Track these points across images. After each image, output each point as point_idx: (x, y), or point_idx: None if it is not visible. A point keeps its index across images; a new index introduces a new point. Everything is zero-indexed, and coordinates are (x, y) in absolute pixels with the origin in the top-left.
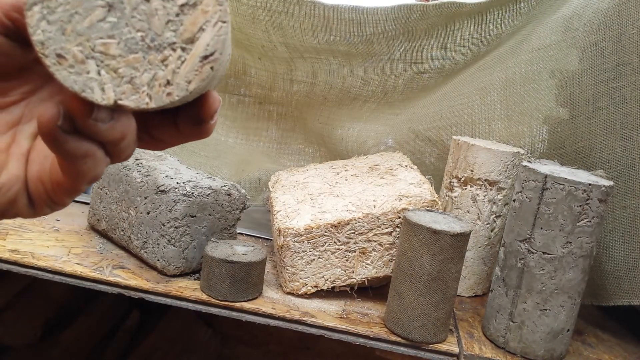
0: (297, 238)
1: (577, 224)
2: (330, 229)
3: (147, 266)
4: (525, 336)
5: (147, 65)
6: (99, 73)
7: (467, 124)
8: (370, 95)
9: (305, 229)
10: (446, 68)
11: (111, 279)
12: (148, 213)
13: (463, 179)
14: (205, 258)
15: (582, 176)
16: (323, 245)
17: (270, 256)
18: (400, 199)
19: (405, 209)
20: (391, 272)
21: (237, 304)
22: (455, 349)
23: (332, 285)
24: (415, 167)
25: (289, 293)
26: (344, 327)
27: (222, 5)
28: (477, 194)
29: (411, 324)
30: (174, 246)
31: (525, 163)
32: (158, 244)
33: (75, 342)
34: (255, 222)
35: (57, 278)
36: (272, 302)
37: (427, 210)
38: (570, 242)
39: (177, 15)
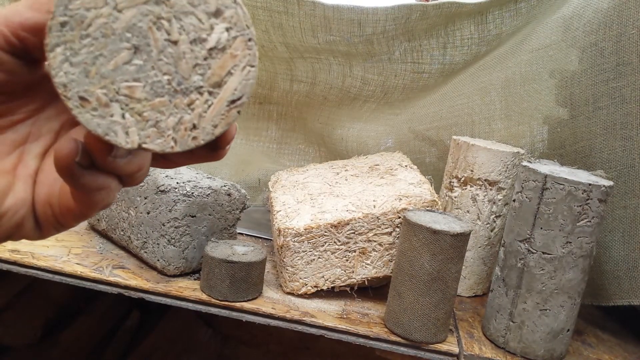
0: (297, 238)
1: (577, 224)
2: (330, 229)
3: (147, 266)
4: (525, 336)
5: (173, 108)
6: (123, 116)
7: (467, 124)
8: (370, 95)
9: (305, 229)
10: (446, 68)
11: (111, 279)
12: (148, 213)
13: (463, 179)
14: (205, 258)
15: (582, 176)
16: (323, 245)
17: (270, 256)
18: (400, 199)
19: (405, 209)
20: (391, 272)
21: (237, 304)
22: (455, 349)
23: (332, 285)
24: (415, 167)
25: (289, 293)
26: (344, 327)
27: (251, 50)
28: (477, 194)
29: (411, 324)
30: (174, 246)
31: (525, 163)
32: (158, 244)
33: (75, 342)
34: (255, 222)
35: (57, 278)
36: (272, 302)
37: (427, 210)
38: (570, 242)
39: (205, 59)
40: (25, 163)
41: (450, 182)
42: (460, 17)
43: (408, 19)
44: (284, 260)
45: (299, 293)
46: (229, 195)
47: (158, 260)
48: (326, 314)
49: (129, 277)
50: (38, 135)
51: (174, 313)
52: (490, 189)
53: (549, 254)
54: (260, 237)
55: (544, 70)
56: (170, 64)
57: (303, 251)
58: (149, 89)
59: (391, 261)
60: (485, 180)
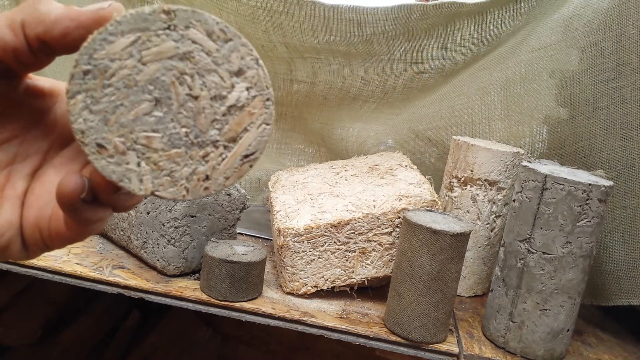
0: (297, 238)
1: (577, 224)
2: (330, 229)
3: (147, 266)
4: (525, 336)
5: (188, 160)
6: (138, 165)
7: (467, 124)
8: (370, 95)
9: (305, 229)
10: (446, 68)
11: (111, 278)
12: (148, 213)
13: (463, 179)
14: (205, 258)
15: (582, 176)
16: (323, 245)
17: (270, 256)
18: (400, 199)
19: (405, 209)
20: (391, 272)
21: (237, 304)
22: (455, 349)
23: (332, 285)
24: (415, 167)
25: (288, 293)
26: (344, 327)
27: (269, 109)
28: (477, 194)
29: (411, 324)
30: (174, 246)
31: (525, 163)
32: (158, 244)
33: (75, 342)
34: (255, 222)
35: (57, 278)
36: (272, 302)
37: (427, 210)
38: (570, 242)
39: (224, 115)
40: (13, 184)
41: (450, 182)
42: (460, 17)
43: (408, 19)
44: (284, 260)
45: (299, 293)
46: (229, 195)
47: (158, 260)
48: (326, 314)
49: (129, 277)
50: (26, 156)
51: (174, 313)
52: (490, 189)
53: (549, 254)
54: (260, 237)
55: (544, 70)
56: (190, 117)
57: (303, 251)
58: (167, 140)
59: (391, 261)
60: (485, 180)
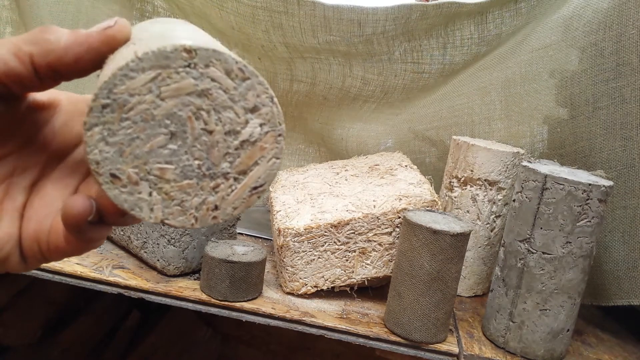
0: (297, 238)
1: (577, 224)
2: (330, 229)
3: (147, 266)
4: (525, 336)
5: (199, 190)
6: (150, 194)
7: (467, 124)
8: (370, 95)
9: (305, 229)
10: (446, 68)
11: (111, 279)
12: None
13: (463, 179)
14: (205, 258)
15: (582, 176)
16: (323, 245)
17: (270, 256)
18: (400, 199)
19: (405, 209)
20: (391, 272)
21: (237, 304)
22: (455, 349)
23: (332, 285)
24: (415, 167)
25: (288, 293)
26: (344, 327)
27: (279, 144)
28: (477, 194)
29: (411, 324)
30: (174, 246)
31: (525, 163)
32: (158, 243)
33: (75, 342)
34: (255, 222)
35: (57, 278)
36: (272, 302)
37: (427, 210)
38: (570, 242)
39: (236, 149)
40: (12, 197)
41: (450, 182)
42: (460, 17)
43: (408, 19)
44: (284, 260)
45: (299, 293)
46: None
47: (158, 260)
48: (326, 314)
49: (129, 277)
50: (24, 168)
51: (174, 313)
52: (490, 189)
53: (549, 254)
54: (260, 237)
55: (544, 70)
56: (203, 151)
57: (303, 251)
58: (179, 172)
59: (391, 261)
60: (485, 180)
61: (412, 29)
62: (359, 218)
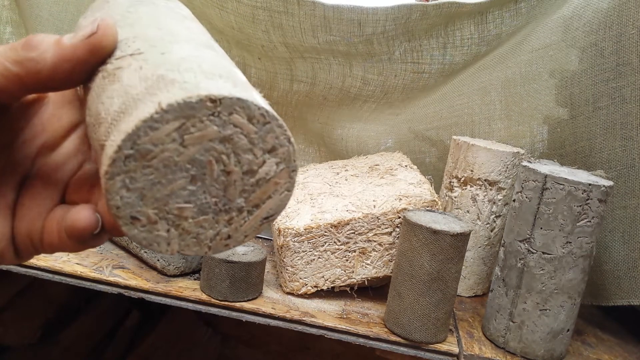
0: (297, 238)
1: (577, 224)
2: (330, 229)
3: (147, 266)
4: (525, 336)
5: (214, 224)
6: (168, 231)
7: (467, 124)
8: (370, 95)
9: (305, 229)
10: (446, 68)
11: (111, 279)
12: None
13: (463, 179)
14: (205, 258)
15: (582, 176)
16: (323, 245)
17: (270, 256)
18: (400, 199)
19: (405, 209)
20: (391, 272)
21: (237, 304)
22: (455, 349)
23: (332, 285)
24: (415, 167)
25: (288, 293)
26: (344, 327)
27: (292, 179)
28: (477, 194)
29: (411, 324)
30: None
31: (525, 163)
32: None
33: (75, 342)
34: None
35: (57, 278)
36: (272, 302)
37: (427, 210)
38: (570, 242)
39: (252, 186)
40: (3, 194)
41: (450, 182)
42: (460, 17)
43: (408, 19)
44: (284, 260)
45: (299, 293)
46: None
47: (158, 260)
48: (326, 314)
49: (129, 277)
50: (13, 164)
51: (174, 313)
52: (490, 189)
53: (549, 254)
54: (260, 237)
55: (544, 70)
56: (220, 189)
57: (303, 251)
58: (197, 210)
59: (391, 261)
60: (485, 180)
61: (412, 29)
62: (359, 218)
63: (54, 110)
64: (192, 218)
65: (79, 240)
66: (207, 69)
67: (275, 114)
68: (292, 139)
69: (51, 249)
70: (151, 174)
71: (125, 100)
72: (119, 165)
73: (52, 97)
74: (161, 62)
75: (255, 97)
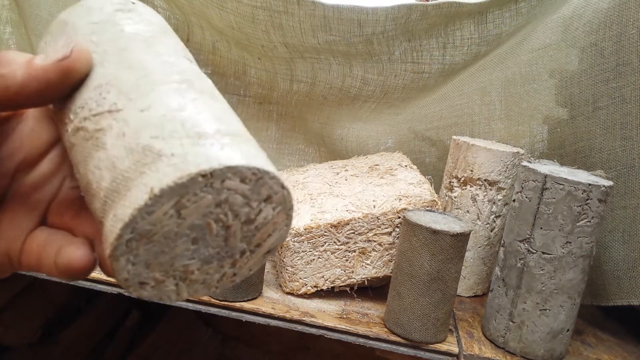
0: (296, 238)
1: (577, 224)
2: (330, 229)
3: None
4: (525, 336)
5: (219, 269)
6: (176, 285)
7: (467, 124)
8: (370, 95)
9: (305, 229)
10: (446, 68)
11: (111, 279)
12: None
13: (463, 179)
14: None
15: (582, 176)
16: (323, 245)
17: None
18: (400, 199)
19: (405, 209)
20: (391, 272)
21: (237, 304)
22: (455, 349)
23: (332, 285)
24: (415, 167)
25: (288, 293)
26: (344, 327)
27: (290, 216)
28: (477, 194)
29: (411, 324)
30: None
31: (525, 163)
32: None
33: (75, 342)
34: None
35: (57, 278)
36: (272, 302)
37: (427, 210)
38: (570, 242)
39: (252, 231)
40: None
41: (450, 182)
42: (460, 17)
43: (408, 19)
44: (284, 260)
45: (299, 293)
46: None
47: None
48: (326, 314)
49: None
50: None
51: (174, 313)
52: (490, 189)
53: (548, 254)
54: None
55: (544, 70)
56: (221, 241)
57: (303, 251)
58: (201, 263)
59: (391, 261)
60: (485, 180)
61: (412, 29)
62: (358, 218)
63: (34, 126)
64: (198, 269)
65: (72, 277)
66: (190, 128)
67: (264, 167)
68: (286, 184)
69: (29, 270)
70: (153, 247)
71: (115, 177)
72: (122, 248)
73: (32, 112)
74: (142, 124)
75: (245, 153)
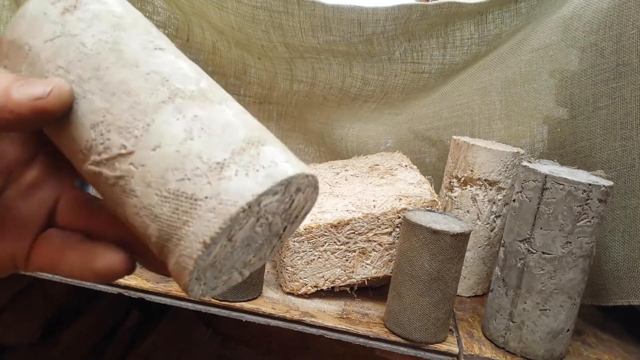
0: (296, 238)
1: (577, 224)
2: (330, 229)
3: None
4: (525, 336)
5: (269, 247)
6: (240, 273)
7: (467, 124)
8: (370, 95)
9: (305, 229)
10: (446, 68)
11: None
12: None
13: (463, 179)
14: None
15: (582, 176)
16: (323, 245)
17: None
18: (400, 199)
19: (405, 209)
20: (391, 272)
21: (237, 304)
22: (455, 349)
23: (332, 285)
24: (415, 167)
25: (288, 293)
26: (344, 327)
27: (317, 187)
28: (477, 194)
29: (411, 324)
30: None
31: (525, 163)
32: None
33: (75, 342)
34: None
35: (57, 278)
36: (272, 302)
37: (427, 210)
38: (570, 242)
39: (289, 213)
40: None
41: (450, 182)
42: (460, 17)
43: (408, 19)
44: (284, 260)
45: (299, 293)
46: None
47: None
48: (326, 314)
49: (129, 277)
50: None
51: (174, 313)
52: (490, 189)
53: (548, 254)
54: None
55: (544, 70)
56: (267, 231)
57: (303, 251)
58: (255, 252)
59: (391, 261)
60: (485, 180)
61: (412, 29)
62: (359, 218)
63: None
64: (254, 256)
65: (106, 280)
66: (208, 160)
67: (287, 173)
68: (307, 171)
69: (37, 271)
70: (216, 267)
71: (161, 228)
72: (192, 283)
73: None
74: (162, 167)
75: (267, 169)
